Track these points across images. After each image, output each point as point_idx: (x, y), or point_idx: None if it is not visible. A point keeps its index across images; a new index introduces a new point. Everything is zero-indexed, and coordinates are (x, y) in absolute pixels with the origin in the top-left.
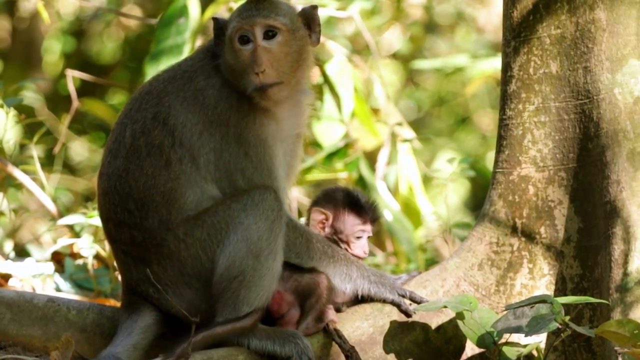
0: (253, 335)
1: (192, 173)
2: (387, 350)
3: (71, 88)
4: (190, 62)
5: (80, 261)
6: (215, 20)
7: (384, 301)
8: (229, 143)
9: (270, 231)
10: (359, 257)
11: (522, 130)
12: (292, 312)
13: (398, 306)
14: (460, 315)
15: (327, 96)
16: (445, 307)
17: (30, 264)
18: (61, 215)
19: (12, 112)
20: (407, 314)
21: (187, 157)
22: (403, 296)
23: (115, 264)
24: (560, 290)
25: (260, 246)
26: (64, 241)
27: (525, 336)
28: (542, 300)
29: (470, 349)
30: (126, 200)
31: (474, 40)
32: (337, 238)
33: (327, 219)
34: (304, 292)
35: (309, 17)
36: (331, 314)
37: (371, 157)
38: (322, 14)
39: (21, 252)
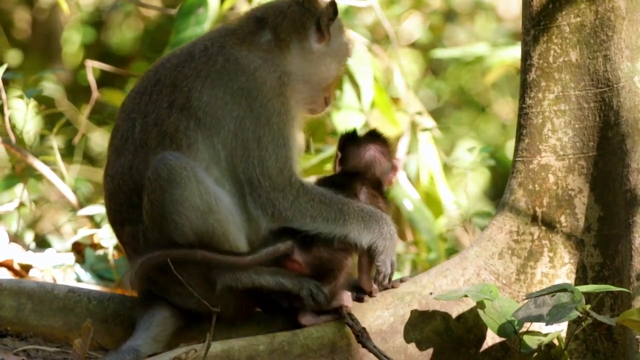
0: (266, 271)
1: (199, 158)
2: (408, 340)
3: (91, 79)
4: (209, 41)
5: (100, 251)
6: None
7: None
8: (254, 110)
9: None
10: None
11: (542, 119)
12: None
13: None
14: (481, 304)
15: (347, 85)
16: (465, 296)
17: (51, 254)
18: (81, 205)
19: (32, 103)
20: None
21: (199, 139)
22: None
23: None
24: (581, 278)
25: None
26: (84, 232)
27: (546, 325)
28: (562, 289)
29: (491, 338)
30: (130, 196)
31: (494, 29)
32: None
33: (337, 157)
34: (321, 268)
35: None
36: (346, 299)
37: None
38: (342, 3)
39: (42, 243)
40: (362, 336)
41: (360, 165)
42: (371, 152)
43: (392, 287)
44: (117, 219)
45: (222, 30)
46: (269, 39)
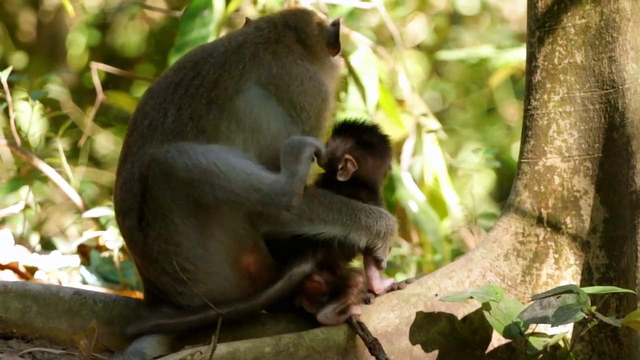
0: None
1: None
2: (414, 341)
3: (96, 81)
4: (257, 45)
5: (106, 254)
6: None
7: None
8: (303, 119)
9: None
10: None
11: (547, 121)
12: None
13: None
14: (486, 306)
15: (352, 87)
16: (471, 297)
17: (56, 256)
18: (87, 208)
19: (38, 105)
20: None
21: (237, 140)
22: None
23: None
24: (587, 280)
25: None
26: (89, 234)
27: (552, 326)
28: (568, 290)
29: (497, 339)
30: (138, 184)
31: (499, 30)
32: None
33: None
34: (338, 284)
35: None
36: (355, 308)
37: (396, 148)
38: (347, 4)
39: (47, 245)
40: (375, 348)
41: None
42: (333, 145)
43: (398, 288)
44: (121, 210)
45: (264, 34)
46: (304, 50)
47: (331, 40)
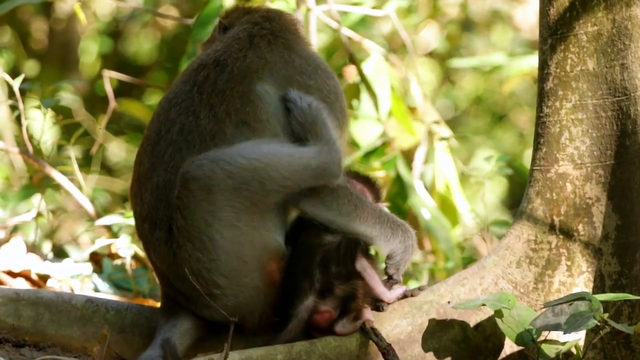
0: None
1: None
2: (426, 349)
3: (108, 89)
4: (278, 38)
5: (118, 261)
6: None
7: None
8: (334, 108)
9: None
10: None
11: (559, 128)
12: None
13: None
14: (498, 313)
15: (364, 95)
16: (483, 304)
17: (68, 264)
18: (99, 215)
19: (50, 113)
20: None
21: (275, 131)
22: None
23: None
24: (599, 287)
25: None
26: (102, 242)
27: (564, 333)
28: (580, 297)
29: (509, 346)
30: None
31: (511, 38)
32: None
33: None
34: (346, 302)
35: None
36: (367, 313)
37: (408, 156)
38: (359, 12)
39: (59, 253)
40: (389, 354)
41: None
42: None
43: (411, 295)
44: (150, 218)
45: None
46: (299, 36)
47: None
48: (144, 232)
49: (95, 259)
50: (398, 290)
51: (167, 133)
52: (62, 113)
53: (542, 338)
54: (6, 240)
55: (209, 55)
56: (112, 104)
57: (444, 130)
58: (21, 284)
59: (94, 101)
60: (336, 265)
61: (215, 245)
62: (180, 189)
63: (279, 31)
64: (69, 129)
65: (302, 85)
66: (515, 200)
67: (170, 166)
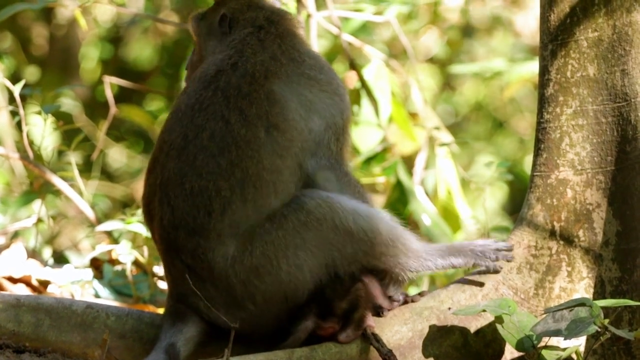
0: (434, 255)
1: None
2: (427, 355)
3: (109, 94)
4: (285, 43)
5: (118, 267)
6: None
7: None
8: (341, 104)
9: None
10: None
11: (559, 134)
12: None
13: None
14: (499, 319)
15: (365, 101)
16: (484, 310)
17: (69, 270)
18: (99, 221)
19: (50, 118)
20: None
21: (300, 128)
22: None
23: (154, 269)
24: (599, 293)
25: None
26: (102, 247)
27: (565, 339)
28: (581, 303)
29: (510, 352)
30: (213, 201)
31: (511, 44)
32: None
33: None
34: (349, 311)
35: None
36: (369, 319)
37: (409, 162)
38: (359, 18)
39: (60, 259)
40: (390, 359)
41: None
42: None
43: (412, 301)
44: (186, 226)
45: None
46: (296, 34)
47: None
48: (175, 239)
49: (96, 264)
50: (399, 296)
51: (195, 138)
52: (62, 119)
53: (542, 344)
54: (7, 246)
55: (224, 61)
56: (113, 109)
57: (445, 136)
58: (22, 290)
59: (95, 107)
60: (331, 286)
61: (273, 273)
62: (283, 210)
63: (285, 34)
64: (69, 134)
65: (313, 78)
66: (516, 206)
67: (204, 172)
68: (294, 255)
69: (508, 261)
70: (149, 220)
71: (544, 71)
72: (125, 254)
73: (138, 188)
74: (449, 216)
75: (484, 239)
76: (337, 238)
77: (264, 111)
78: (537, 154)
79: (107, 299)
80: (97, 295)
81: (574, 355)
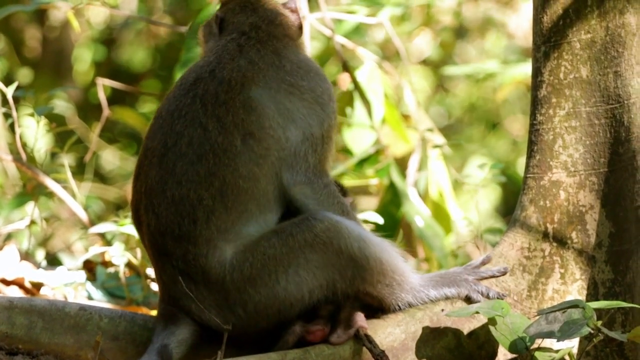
0: (427, 287)
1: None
2: (420, 356)
3: (102, 96)
4: (261, 44)
5: (111, 269)
6: None
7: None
8: (325, 111)
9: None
10: None
11: (552, 135)
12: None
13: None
14: (492, 321)
15: (358, 103)
16: (477, 312)
17: (62, 272)
18: (92, 223)
19: (43, 120)
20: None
21: (277, 135)
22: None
23: (147, 271)
24: (592, 295)
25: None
26: (95, 249)
27: (558, 341)
28: (574, 305)
29: (503, 354)
30: (197, 208)
31: (504, 45)
32: None
33: None
34: (332, 314)
35: None
36: (360, 320)
37: (402, 164)
38: (352, 20)
39: (53, 261)
40: None
41: None
42: None
43: None
44: (172, 233)
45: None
46: (288, 39)
47: (297, 22)
48: (163, 245)
49: (89, 266)
50: None
51: (174, 145)
52: (55, 121)
53: (535, 346)
54: (0, 248)
55: (203, 68)
56: (106, 111)
57: (438, 138)
58: (14, 292)
59: (88, 109)
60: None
61: (270, 286)
62: (292, 229)
63: (266, 39)
64: (62, 136)
65: (293, 85)
66: (509, 208)
67: (184, 180)
68: (294, 273)
69: (500, 298)
70: (137, 226)
71: (536, 73)
72: (118, 256)
73: (131, 190)
74: (442, 218)
75: (481, 266)
76: (340, 262)
77: (240, 119)
78: (530, 156)
79: (100, 301)
80: (90, 298)
81: (567, 357)
